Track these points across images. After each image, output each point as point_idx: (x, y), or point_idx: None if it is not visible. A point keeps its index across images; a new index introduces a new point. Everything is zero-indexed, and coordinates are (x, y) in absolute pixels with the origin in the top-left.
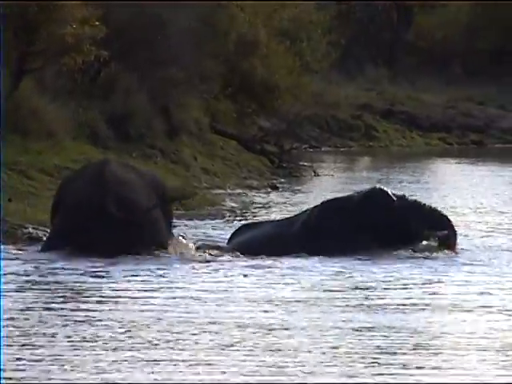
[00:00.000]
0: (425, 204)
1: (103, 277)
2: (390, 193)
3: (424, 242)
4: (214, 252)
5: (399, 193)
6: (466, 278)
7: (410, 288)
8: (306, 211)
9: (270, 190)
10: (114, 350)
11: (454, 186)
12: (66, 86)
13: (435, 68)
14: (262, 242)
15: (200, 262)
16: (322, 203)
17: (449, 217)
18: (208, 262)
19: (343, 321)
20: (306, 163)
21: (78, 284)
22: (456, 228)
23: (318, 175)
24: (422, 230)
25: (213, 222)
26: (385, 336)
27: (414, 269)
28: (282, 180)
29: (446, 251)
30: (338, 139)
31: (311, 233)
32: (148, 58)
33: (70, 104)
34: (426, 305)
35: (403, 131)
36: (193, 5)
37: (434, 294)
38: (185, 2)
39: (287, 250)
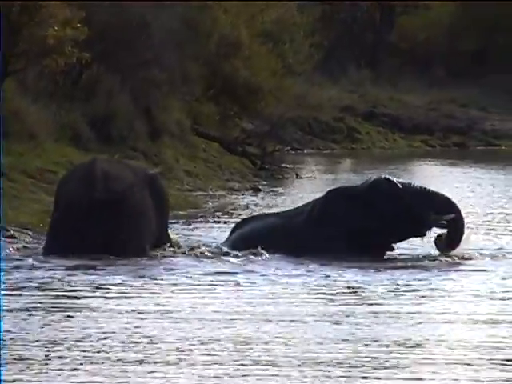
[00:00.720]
0: (430, 189)
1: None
2: (395, 181)
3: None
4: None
5: (405, 180)
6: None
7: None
8: (309, 203)
9: (252, 192)
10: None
11: (436, 188)
12: (47, 88)
13: (417, 70)
14: (262, 234)
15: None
16: (327, 192)
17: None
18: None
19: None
20: (288, 165)
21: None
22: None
23: (301, 177)
24: (428, 215)
25: (195, 224)
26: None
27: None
28: (264, 182)
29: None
30: (320, 141)
31: (316, 221)
32: (130, 60)
33: (52, 106)
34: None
35: (385, 133)
36: (176, 4)
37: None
38: (168, 1)
39: (290, 239)
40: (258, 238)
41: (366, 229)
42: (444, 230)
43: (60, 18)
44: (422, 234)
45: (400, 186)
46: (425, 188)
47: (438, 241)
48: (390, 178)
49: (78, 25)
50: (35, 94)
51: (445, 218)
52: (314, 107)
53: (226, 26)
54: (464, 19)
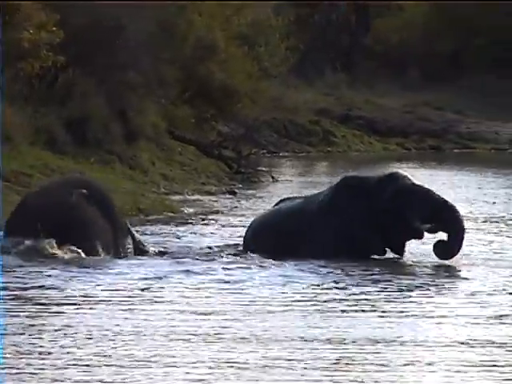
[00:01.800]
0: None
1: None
2: (408, 177)
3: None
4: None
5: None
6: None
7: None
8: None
9: (228, 195)
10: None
11: None
12: (22, 91)
13: (393, 72)
14: (282, 215)
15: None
16: (341, 179)
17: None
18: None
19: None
20: (264, 168)
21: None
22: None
23: (277, 180)
24: (414, 219)
25: (171, 227)
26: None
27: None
28: (240, 185)
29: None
30: (296, 144)
31: (323, 209)
32: (105, 63)
33: (27, 109)
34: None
35: (361, 136)
36: (150, 5)
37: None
38: (143, 1)
39: (303, 225)
40: (278, 220)
41: (366, 223)
42: (444, 236)
43: (35, 21)
44: (416, 237)
45: (410, 183)
46: (427, 190)
47: (436, 247)
48: (404, 173)
49: (54, 28)
50: (10, 97)
51: (425, 226)
52: (290, 110)
53: (201, 28)
54: (438, 20)
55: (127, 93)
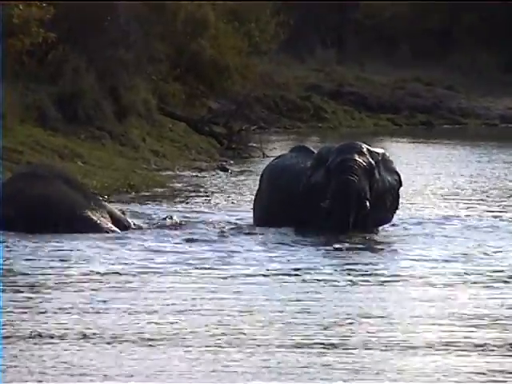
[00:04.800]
0: None
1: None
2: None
3: None
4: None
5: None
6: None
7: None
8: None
9: (219, 171)
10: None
11: (402, 166)
12: (13, 68)
13: (383, 48)
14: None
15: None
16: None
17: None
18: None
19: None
20: (255, 144)
21: None
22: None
23: (267, 156)
24: None
25: (162, 203)
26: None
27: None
28: (231, 161)
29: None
30: (287, 120)
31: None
32: (96, 40)
33: (18, 86)
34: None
35: (352, 112)
36: None
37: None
38: None
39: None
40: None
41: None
42: None
43: None
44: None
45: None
46: None
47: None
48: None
49: (44, 4)
50: (0, 73)
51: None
52: (281, 86)
53: (192, 4)
54: None
55: (118, 69)
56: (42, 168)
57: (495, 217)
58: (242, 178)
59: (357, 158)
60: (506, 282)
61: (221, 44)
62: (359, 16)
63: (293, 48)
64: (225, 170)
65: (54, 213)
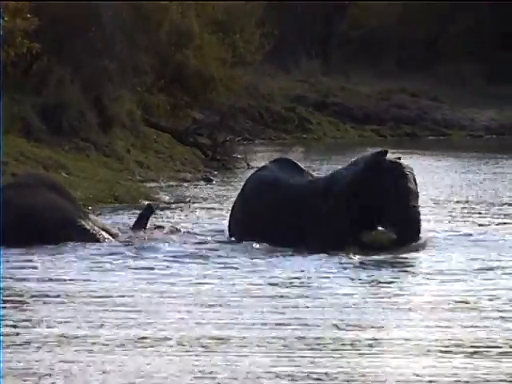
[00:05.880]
0: None
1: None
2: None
3: None
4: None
5: None
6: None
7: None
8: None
9: (203, 182)
10: None
11: None
12: None
13: (368, 59)
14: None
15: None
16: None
17: None
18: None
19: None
20: (239, 155)
21: None
22: None
23: (252, 167)
24: None
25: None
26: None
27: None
28: (216, 172)
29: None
30: (271, 131)
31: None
32: (81, 50)
33: (2, 97)
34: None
35: (337, 123)
36: None
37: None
38: None
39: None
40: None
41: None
42: None
43: (10, 7)
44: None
45: None
46: None
47: None
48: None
49: (29, 15)
50: None
51: None
52: (265, 97)
53: (176, 14)
54: (414, 6)
55: (102, 81)
56: (33, 177)
57: (481, 225)
58: (227, 188)
59: None
60: None
61: (205, 55)
62: (345, 27)
63: (278, 59)
64: (209, 180)
65: (49, 221)
